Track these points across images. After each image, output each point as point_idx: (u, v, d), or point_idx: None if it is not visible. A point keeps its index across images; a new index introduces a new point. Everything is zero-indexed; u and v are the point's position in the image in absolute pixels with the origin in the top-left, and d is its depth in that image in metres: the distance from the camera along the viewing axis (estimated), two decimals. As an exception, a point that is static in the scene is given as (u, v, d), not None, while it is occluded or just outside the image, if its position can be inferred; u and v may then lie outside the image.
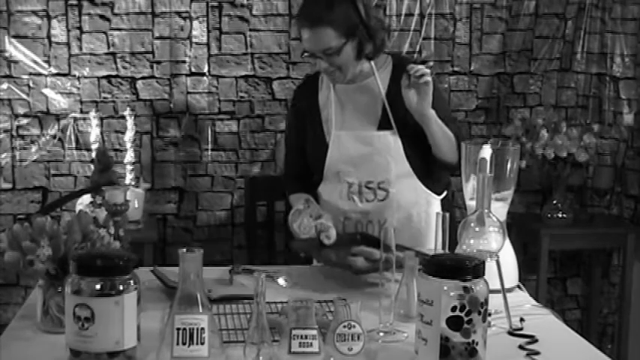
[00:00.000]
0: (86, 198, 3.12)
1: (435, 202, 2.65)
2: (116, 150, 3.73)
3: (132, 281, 1.66)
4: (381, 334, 1.89)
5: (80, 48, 3.67)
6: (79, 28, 3.66)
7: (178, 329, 1.61)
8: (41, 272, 1.85)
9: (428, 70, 2.47)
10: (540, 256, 3.74)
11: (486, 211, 1.96)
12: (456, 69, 3.93)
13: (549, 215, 3.80)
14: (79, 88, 3.69)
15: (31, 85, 3.66)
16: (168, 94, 3.75)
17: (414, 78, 2.46)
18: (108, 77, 3.71)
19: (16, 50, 3.63)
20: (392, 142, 2.60)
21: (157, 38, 3.72)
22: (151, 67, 3.73)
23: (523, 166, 3.46)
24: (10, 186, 3.70)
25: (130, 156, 3.76)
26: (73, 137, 3.70)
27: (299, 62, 3.76)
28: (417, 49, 3.88)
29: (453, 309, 1.61)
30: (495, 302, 1.90)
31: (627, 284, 3.84)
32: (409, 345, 1.78)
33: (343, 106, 2.68)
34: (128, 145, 3.75)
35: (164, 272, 2.26)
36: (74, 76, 3.68)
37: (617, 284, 4.01)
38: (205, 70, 3.76)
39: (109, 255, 1.76)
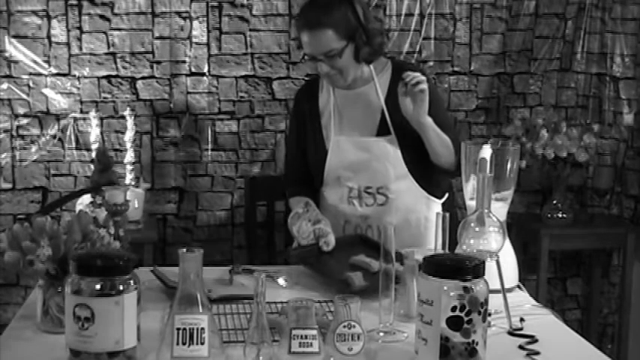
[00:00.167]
0: (86, 198, 3.13)
1: (435, 205, 2.65)
2: (116, 150, 3.73)
3: (132, 281, 1.66)
4: (381, 334, 1.89)
5: (80, 48, 3.67)
6: (79, 28, 3.66)
7: (178, 329, 1.61)
8: (41, 272, 1.85)
9: (424, 78, 2.47)
10: (540, 256, 3.74)
11: (486, 211, 1.96)
12: (456, 69, 3.93)
13: (549, 215, 3.80)
14: (79, 88, 3.69)
15: (31, 85, 3.66)
16: (168, 94, 3.75)
17: (410, 86, 2.46)
18: (108, 77, 3.71)
19: (16, 50, 3.63)
20: (390, 148, 2.61)
21: (157, 38, 3.72)
22: (151, 67, 3.73)
23: (523, 166, 3.46)
24: (10, 186, 3.70)
25: (130, 156, 3.76)
26: (73, 137, 3.70)
27: (299, 62, 3.76)
28: (417, 49, 3.87)
29: (453, 309, 1.61)
30: (495, 302, 1.90)
31: (627, 284, 3.84)
32: (409, 345, 1.78)
33: (342, 111, 2.69)
34: (128, 145, 3.75)
35: (164, 272, 2.26)
36: (74, 76, 3.68)
37: (617, 284, 4.01)
38: (205, 70, 3.76)
39: (109, 255, 1.76)
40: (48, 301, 1.89)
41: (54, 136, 3.70)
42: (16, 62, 3.64)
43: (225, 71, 3.78)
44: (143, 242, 3.43)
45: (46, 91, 3.67)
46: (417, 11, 3.85)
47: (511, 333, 1.94)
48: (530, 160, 3.68)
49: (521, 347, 1.84)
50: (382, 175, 2.62)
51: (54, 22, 3.64)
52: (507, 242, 2.12)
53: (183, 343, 1.61)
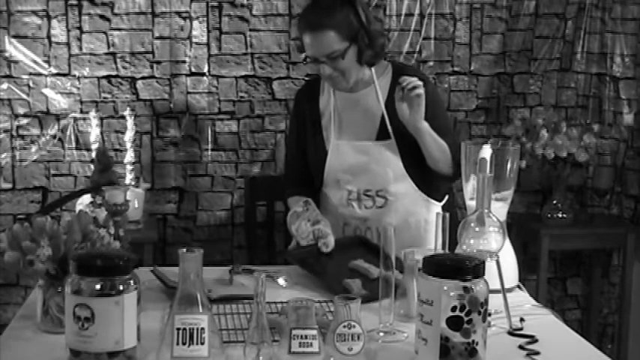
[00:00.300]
0: (86, 198, 3.12)
1: (435, 208, 2.65)
2: (116, 150, 3.73)
3: (132, 281, 1.66)
4: (381, 334, 1.89)
5: (80, 48, 3.67)
6: (79, 28, 3.66)
7: (178, 329, 1.61)
8: (41, 272, 1.85)
9: (420, 83, 2.47)
10: (540, 256, 3.74)
11: (486, 211, 1.96)
12: (456, 69, 3.93)
13: (549, 215, 3.80)
14: (79, 88, 3.69)
15: (31, 85, 3.66)
16: (168, 94, 3.75)
17: (406, 90, 2.46)
18: (108, 77, 3.70)
19: (16, 50, 3.63)
20: (390, 152, 2.61)
21: (157, 38, 3.72)
22: (151, 67, 3.73)
23: (523, 166, 3.46)
24: (10, 186, 3.70)
25: (130, 156, 3.75)
26: (73, 137, 3.70)
27: (299, 62, 3.76)
28: (417, 49, 3.87)
29: (453, 309, 1.61)
30: (495, 302, 1.90)
31: (627, 284, 3.84)
32: (409, 345, 1.78)
33: (342, 114, 2.69)
34: (128, 145, 3.75)
35: (164, 272, 2.26)
36: (74, 76, 3.68)
37: (617, 284, 4.01)
38: (205, 70, 3.76)
39: (109, 255, 1.76)
40: (48, 301, 1.89)
41: (54, 136, 3.69)
42: (16, 62, 3.64)
43: (225, 71, 3.78)
44: (143, 242, 3.43)
45: (46, 91, 3.67)
46: (417, 11, 3.85)
47: (511, 333, 1.94)
48: (530, 160, 3.68)
49: (521, 347, 1.84)
50: (381, 179, 2.62)
51: (54, 22, 3.64)
52: (507, 242, 2.12)
53: (183, 343, 1.61)
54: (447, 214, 1.97)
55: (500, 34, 3.93)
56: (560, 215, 3.78)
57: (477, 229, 1.97)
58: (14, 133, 3.67)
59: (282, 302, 1.97)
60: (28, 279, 2.44)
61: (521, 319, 2.00)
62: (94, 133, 3.72)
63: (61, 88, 3.68)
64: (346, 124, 2.68)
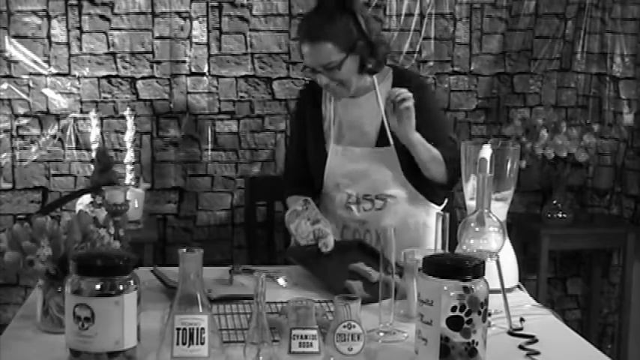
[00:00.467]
0: (86, 198, 3.12)
1: (434, 212, 2.64)
2: (116, 150, 3.73)
3: (132, 281, 1.66)
4: (381, 334, 1.89)
5: (80, 48, 3.67)
6: (79, 28, 3.66)
7: (178, 329, 1.61)
8: (41, 272, 1.85)
9: (410, 95, 2.46)
10: (540, 256, 3.74)
11: (486, 211, 1.96)
12: (456, 69, 3.93)
13: (549, 215, 3.80)
14: (79, 88, 3.69)
15: (31, 85, 3.66)
16: (168, 94, 3.75)
17: (396, 102, 2.46)
18: (108, 77, 3.71)
19: (16, 50, 3.63)
20: (389, 158, 2.61)
21: (157, 38, 3.72)
22: (151, 67, 3.73)
23: (523, 166, 3.46)
24: (10, 186, 3.70)
25: (130, 156, 3.75)
26: (73, 137, 3.70)
27: (299, 62, 3.75)
28: (417, 49, 3.87)
29: (453, 309, 1.61)
30: (495, 302, 1.90)
31: (627, 284, 3.84)
32: (409, 345, 1.78)
33: (342, 119, 2.68)
34: (128, 145, 3.75)
35: (164, 272, 2.26)
36: (74, 76, 3.68)
37: (617, 284, 4.01)
38: (205, 70, 3.76)
39: (109, 255, 1.76)
40: (48, 301, 1.89)
41: (54, 136, 3.70)
42: (16, 62, 3.64)
43: (225, 71, 3.78)
44: (143, 242, 3.43)
45: (46, 91, 3.67)
46: (417, 11, 3.85)
47: (511, 333, 1.93)
48: (530, 160, 3.68)
49: (521, 347, 1.84)
50: (381, 184, 2.62)
51: (54, 22, 3.64)
52: (507, 242, 2.12)
53: (183, 343, 1.61)
54: (447, 214, 1.97)
55: (500, 34, 3.93)
56: (560, 215, 3.78)
57: (477, 229, 1.97)
58: (14, 133, 3.67)
59: (282, 302, 1.97)
60: (28, 279, 2.43)
61: (521, 319, 2.00)
62: (94, 133, 3.72)
63: (61, 88, 3.68)
64: (346, 129, 2.68)
